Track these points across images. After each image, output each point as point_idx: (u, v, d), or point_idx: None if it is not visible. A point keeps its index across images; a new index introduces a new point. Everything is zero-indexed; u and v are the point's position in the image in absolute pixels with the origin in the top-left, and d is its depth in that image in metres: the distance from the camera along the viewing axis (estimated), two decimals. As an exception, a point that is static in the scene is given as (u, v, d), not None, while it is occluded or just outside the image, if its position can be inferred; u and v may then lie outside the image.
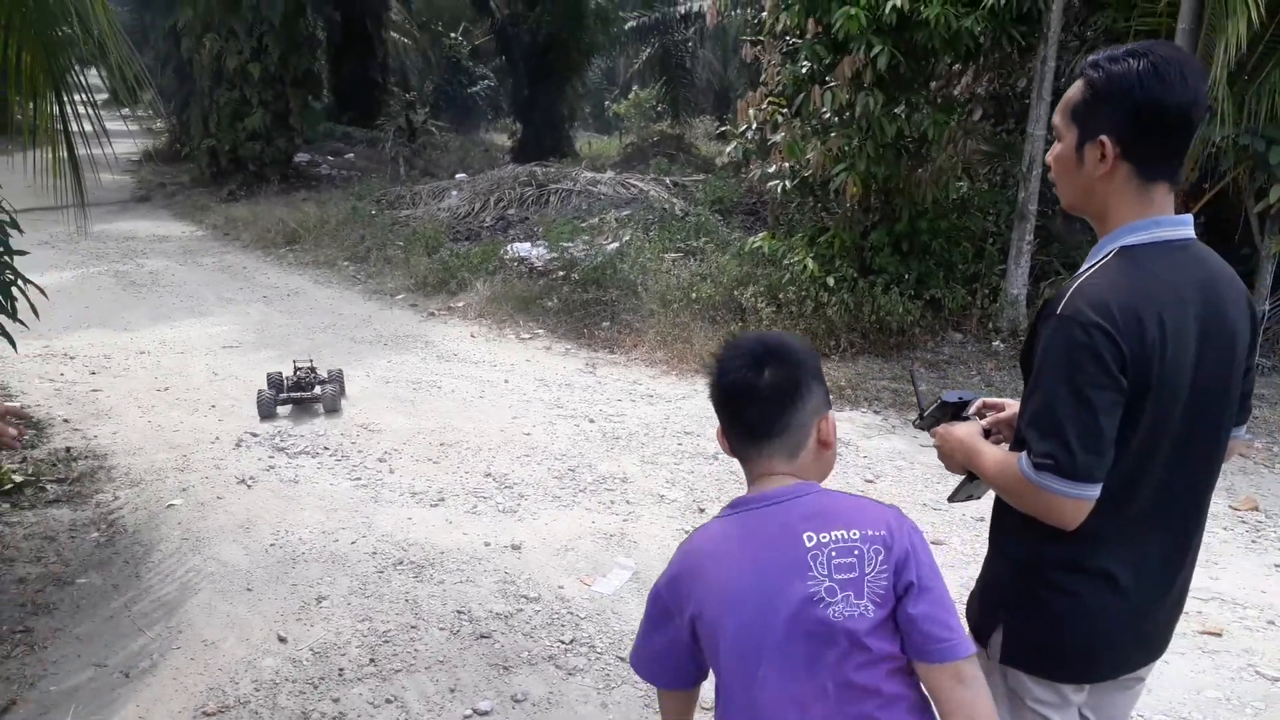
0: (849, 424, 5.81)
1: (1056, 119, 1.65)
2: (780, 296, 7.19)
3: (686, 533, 4.19)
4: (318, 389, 5.72)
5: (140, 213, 14.58)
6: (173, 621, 3.35)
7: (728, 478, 4.88)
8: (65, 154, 4.32)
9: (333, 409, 5.69)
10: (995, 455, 1.66)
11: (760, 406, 1.48)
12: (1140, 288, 1.50)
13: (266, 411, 5.49)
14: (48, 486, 4.34)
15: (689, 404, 6.11)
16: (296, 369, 5.81)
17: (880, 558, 1.37)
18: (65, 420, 5.31)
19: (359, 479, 4.73)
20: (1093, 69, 1.57)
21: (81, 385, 5.99)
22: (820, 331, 6.96)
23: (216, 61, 15.31)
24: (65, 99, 4.32)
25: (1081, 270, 1.60)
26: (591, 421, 5.71)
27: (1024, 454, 1.53)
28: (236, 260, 10.70)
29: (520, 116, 21.34)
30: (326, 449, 5.14)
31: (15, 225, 3.88)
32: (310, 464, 4.91)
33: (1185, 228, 1.57)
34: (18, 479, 4.28)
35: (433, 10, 31.20)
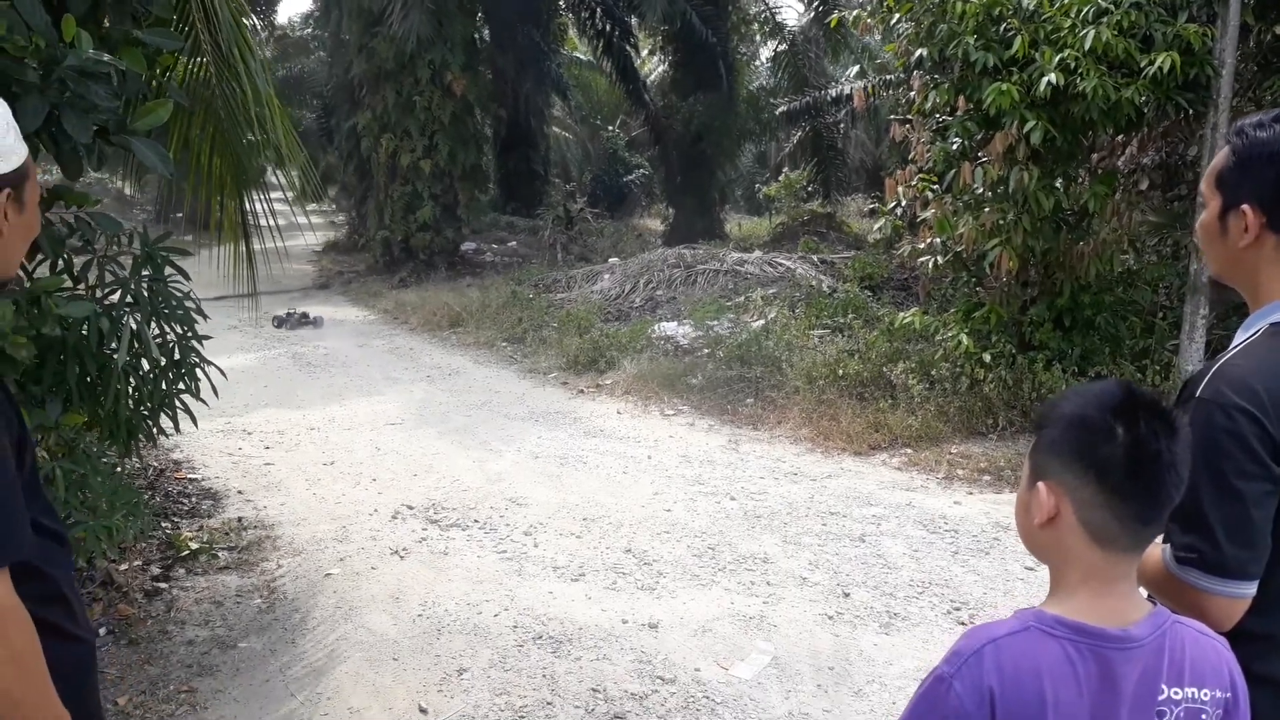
0: (1008, 507, 5.50)
1: (1203, 186, 1.57)
2: (933, 373, 6.98)
3: (830, 618, 4.06)
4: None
5: (319, 298, 15.67)
6: (320, 687, 3.49)
7: (874, 561, 4.70)
8: (245, 248, 4.72)
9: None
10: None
11: (1173, 480, 1.19)
12: None
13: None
14: (219, 554, 4.64)
15: (834, 483, 5.96)
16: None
17: None
18: (239, 492, 5.69)
19: (504, 552, 4.83)
20: (1237, 135, 1.49)
21: (256, 459, 6.43)
22: (976, 409, 6.69)
23: (392, 159, 16.47)
24: (248, 198, 4.76)
25: (1228, 349, 1.49)
26: (733, 499, 5.64)
27: (1168, 545, 1.42)
28: (404, 342, 11.31)
29: (672, 202, 21.91)
30: (476, 521, 5.29)
31: (200, 312, 4.25)
32: (460, 536, 5.06)
33: None
34: (194, 546, 4.60)
35: (592, 105, 32.74)
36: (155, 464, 6.05)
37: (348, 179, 23.31)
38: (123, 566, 4.38)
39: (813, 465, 6.38)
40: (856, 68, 9.66)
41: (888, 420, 6.77)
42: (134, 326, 3.87)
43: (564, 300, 11.43)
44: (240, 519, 5.20)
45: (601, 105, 32.32)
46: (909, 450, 6.51)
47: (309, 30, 34.04)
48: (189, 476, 5.88)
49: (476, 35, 23.72)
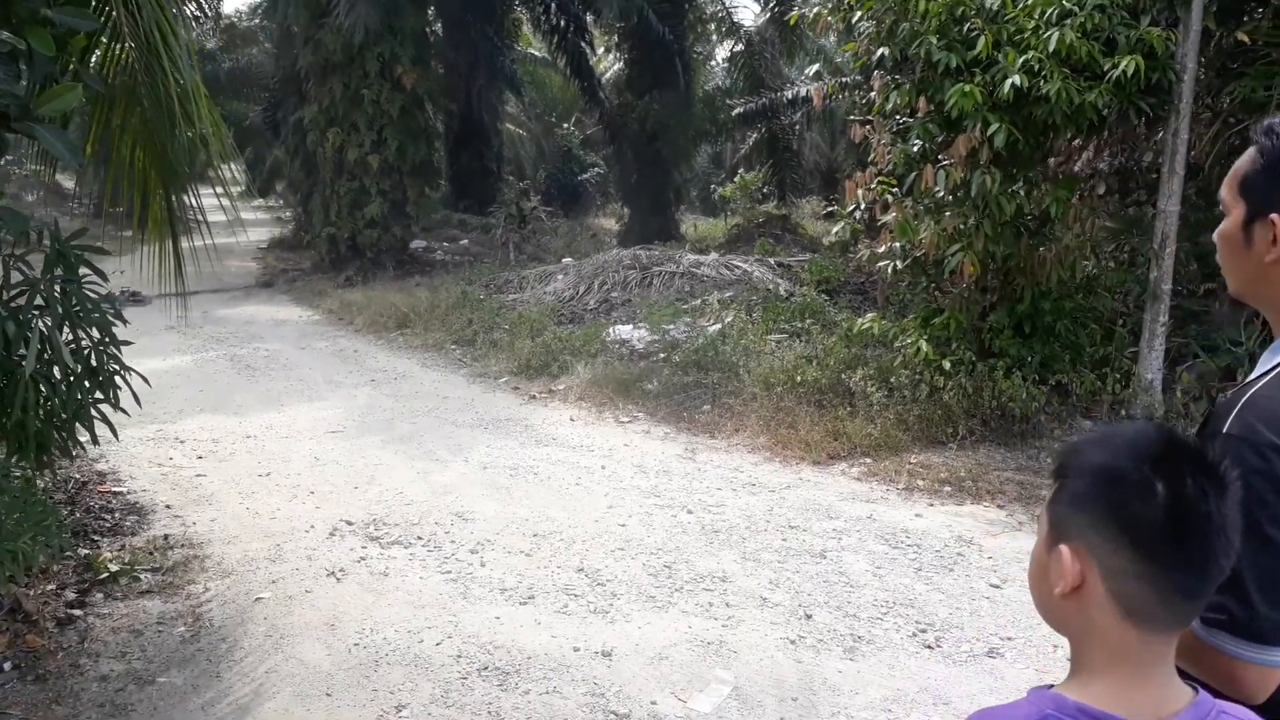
0: (970, 519, 5.38)
1: (1223, 191, 1.38)
2: (892, 380, 6.84)
3: (792, 643, 3.87)
4: None
5: (262, 298, 15.20)
6: (246, 727, 3.21)
7: (836, 579, 4.52)
8: (171, 246, 4.41)
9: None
10: None
11: (1223, 547, 1.01)
12: None
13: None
14: (142, 576, 4.32)
15: (793, 494, 5.78)
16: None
17: None
18: (168, 506, 5.35)
19: (449, 572, 4.57)
20: (1266, 136, 1.30)
21: (187, 470, 6.08)
22: (936, 418, 6.57)
23: (339, 153, 16.01)
24: (175, 193, 4.44)
25: (1253, 377, 1.31)
26: (690, 512, 5.44)
27: None
28: (349, 344, 10.94)
29: (627, 201, 21.71)
30: (420, 539, 5.02)
31: (120, 316, 3.93)
32: (402, 555, 4.79)
33: None
34: (114, 568, 4.28)
35: (547, 102, 32.47)
36: (77, 476, 5.68)
37: (294, 174, 22.73)
38: (34, 592, 4.04)
39: (771, 475, 6.20)
40: (814, 68, 9.47)
41: (846, 428, 6.62)
42: (43, 331, 3.55)
43: (516, 301, 11.15)
44: (167, 536, 4.87)
45: (556, 102, 32.07)
46: (868, 460, 6.37)
47: (257, 21, 33.24)
48: (113, 490, 5.52)
49: (429, 29, 23.33)
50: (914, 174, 6.70)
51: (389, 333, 11.34)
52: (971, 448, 6.46)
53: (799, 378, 7.24)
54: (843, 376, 7.15)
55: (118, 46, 4.19)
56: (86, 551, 4.51)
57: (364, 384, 8.84)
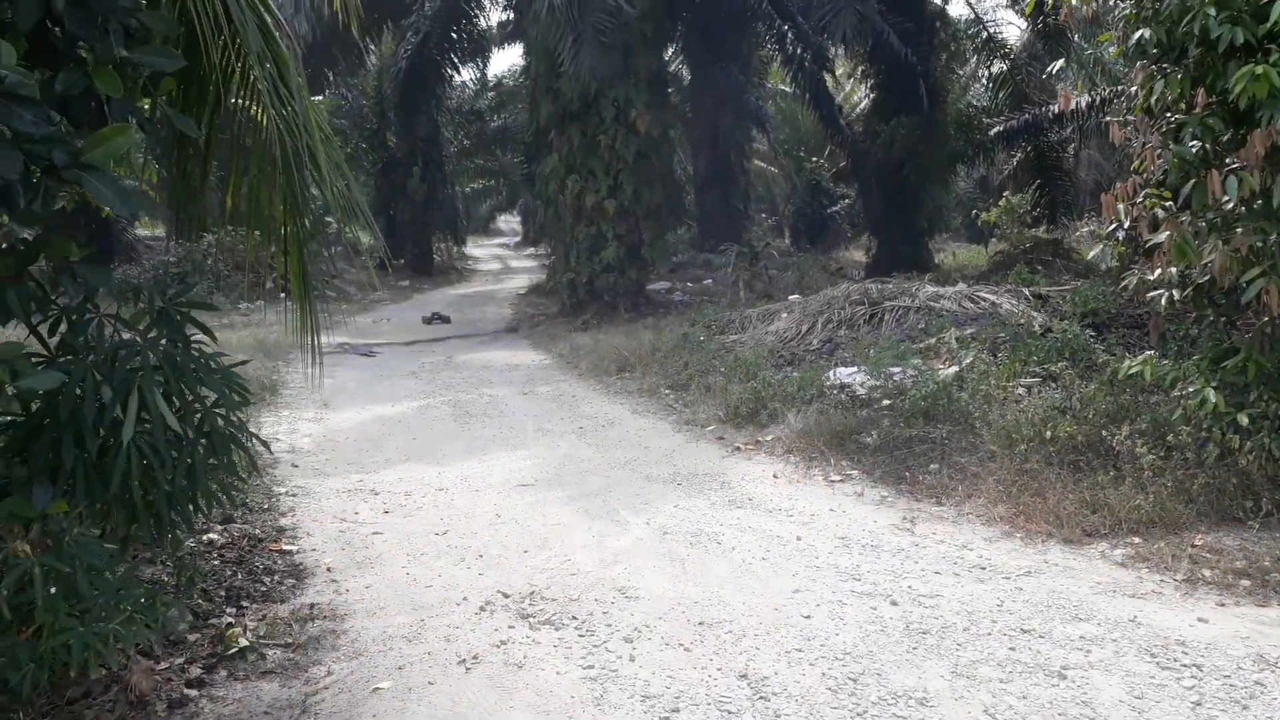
0: (1276, 629, 4.04)
1: None
2: (1169, 438, 5.48)
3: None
4: None
5: (505, 342, 15.56)
6: None
7: (1078, 713, 3.43)
8: (299, 306, 4.18)
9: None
10: None
11: None
12: None
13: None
14: (269, 653, 4.04)
15: (1033, 584, 4.65)
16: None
17: None
18: (328, 569, 5.13)
19: (591, 666, 3.94)
20: None
21: (366, 527, 5.90)
22: (1229, 488, 5.18)
23: (578, 200, 16.22)
24: (305, 251, 4.21)
25: None
26: (894, 604, 4.48)
27: None
28: (569, 389, 10.75)
29: (875, 232, 20.58)
30: (574, 618, 4.45)
31: (238, 384, 3.68)
32: (548, 640, 4.23)
33: None
34: (243, 643, 4.03)
35: (799, 137, 31.89)
36: (257, 532, 5.63)
37: (547, 222, 23.58)
38: (161, 666, 3.86)
39: (1007, 556, 5.08)
40: (1058, 64, 8.09)
41: (1108, 498, 5.35)
42: (146, 396, 3.32)
43: (736, 342, 10.49)
44: (313, 606, 4.61)
45: (807, 138, 31.39)
46: (1136, 539, 5.07)
47: (522, 80, 35.39)
48: (284, 549, 5.41)
49: (670, 71, 23.46)
50: (1192, 182, 5.36)
51: (608, 377, 11.05)
52: (1277, 527, 4.99)
53: (1049, 433, 6.01)
54: (1105, 433, 5.85)
55: (246, 100, 4.03)
56: (230, 621, 4.32)
57: (570, 432, 8.51)
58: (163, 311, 3.47)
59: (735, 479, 6.70)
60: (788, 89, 27.75)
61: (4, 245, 3.11)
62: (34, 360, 3.15)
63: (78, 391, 3.19)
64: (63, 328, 3.30)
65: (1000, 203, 21.63)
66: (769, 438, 7.59)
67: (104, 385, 3.28)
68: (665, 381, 10.07)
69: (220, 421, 3.68)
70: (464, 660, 4.03)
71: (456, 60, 25.14)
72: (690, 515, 5.93)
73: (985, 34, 20.53)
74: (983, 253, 22.84)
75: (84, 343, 3.28)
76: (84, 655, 3.14)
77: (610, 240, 16.11)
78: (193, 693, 3.71)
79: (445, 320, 17.83)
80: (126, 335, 3.40)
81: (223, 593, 4.68)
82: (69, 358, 3.30)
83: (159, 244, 24.34)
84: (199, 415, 3.62)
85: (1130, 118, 6.03)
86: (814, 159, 29.79)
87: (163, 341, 3.48)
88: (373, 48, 26.25)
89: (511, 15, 26.61)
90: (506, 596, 4.75)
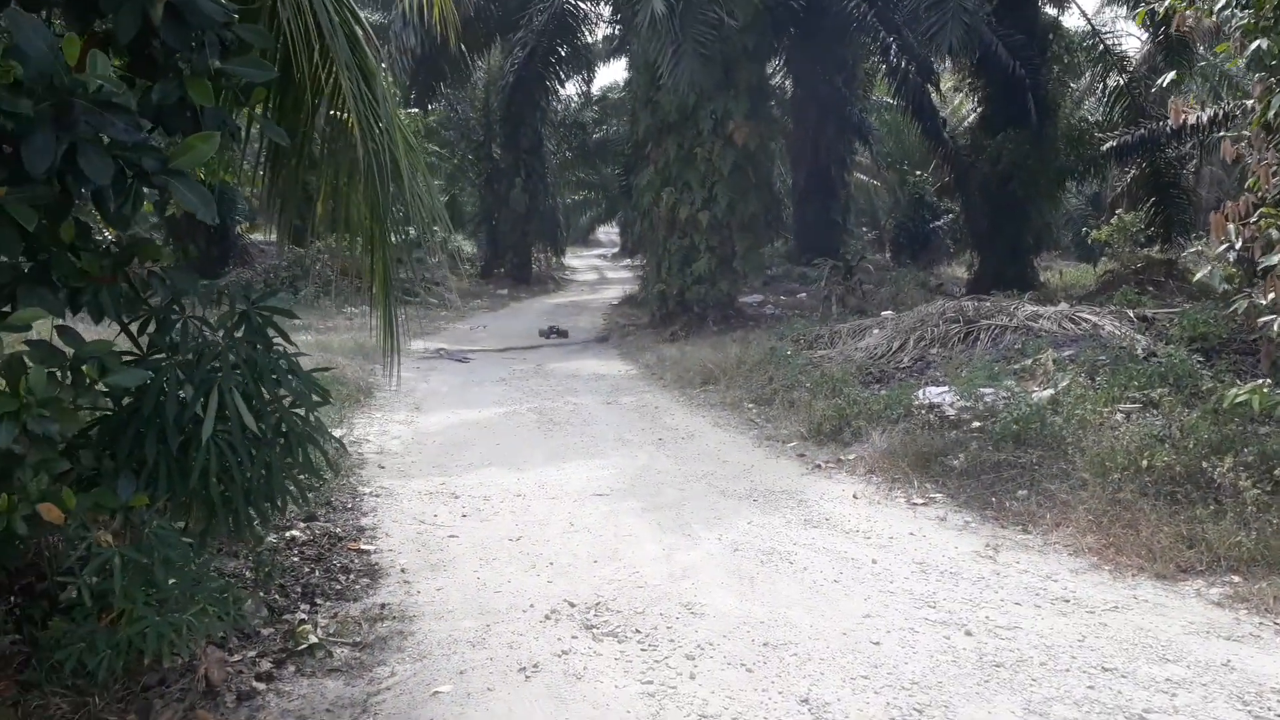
0: (1391, 688, 3.73)
1: None
2: (1276, 472, 5.14)
3: None
4: None
5: (594, 352, 15.67)
6: None
7: (1154, 760, 3.24)
8: (381, 312, 4.30)
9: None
10: None
11: None
12: None
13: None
14: (337, 651, 4.14)
15: (1119, 619, 4.43)
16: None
17: None
18: (402, 570, 5.24)
19: (650, 682, 3.92)
20: None
21: (444, 530, 6.01)
22: (1346, 531, 4.81)
23: (672, 212, 16.25)
24: (392, 256, 4.32)
25: None
26: (969, 634, 4.32)
27: None
28: (652, 400, 10.76)
29: (978, 247, 20.03)
30: (637, 631, 4.43)
31: (315, 386, 3.79)
32: (610, 652, 4.22)
33: None
34: (312, 639, 4.14)
35: (904, 150, 31.31)
36: (338, 531, 5.79)
37: (643, 233, 23.72)
38: (235, 657, 4.00)
39: (1094, 589, 4.85)
40: (1169, 76, 7.69)
41: (1207, 533, 5.05)
42: (225, 395, 3.45)
43: (824, 358, 10.31)
44: (384, 606, 4.71)
45: (911, 151, 30.79)
46: (1235, 578, 4.77)
47: (623, 93, 35.72)
48: (362, 548, 5.55)
49: (773, 83, 23.31)
50: (1311, 200, 5.05)
51: (692, 389, 11.01)
52: (1401, 574, 4.63)
53: (1145, 462, 5.72)
54: (1206, 464, 5.53)
55: (335, 109, 4.16)
56: (302, 617, 4.45)
57: (650, 443, 8.51)
58: (244, 314, 3.60)
59: (813, 497, 6.58)
60: (892, 101, 27.31)
61: (103, 248, 3.27)
62: (124, 358, 3.31)
63: (162, 389, 3.35)
64: (151, 327, 3.46)
65: (1112, 220, 20.79)
66: (851, 456, 7.44)
67: (186, 384, 3.43)
68: (749, 395, 9.99)
69: (298, 422, 3.79)
70: (524, 668, 4.05)
71: (561, 74, 25.53)
72: (763, 532, 5.84)
73: (1101, 46, 19.81)
74: (1091, 272, 21.98)
75: (169, 342, 3.43)
76: (158, 644, 3.29)
77: (702, 252, 16.06)
78: (261, 686, 3.82)
79: (563, 334, 17.47)
80: (211, 336, 3.54)
81: (299, 589, 4.82)
82: (156, 356, 3.45)
83: (272, 248, 25.41)
84: (276, 415, 3.74)
85: (1246, 133, 5.70)
86: (918, 172, 29.21)
87: (244, 344, 3.61)
88: (480, 62, 26.91)
89: (617, 30, 26.92)
90: (572, 606, 4.77)
